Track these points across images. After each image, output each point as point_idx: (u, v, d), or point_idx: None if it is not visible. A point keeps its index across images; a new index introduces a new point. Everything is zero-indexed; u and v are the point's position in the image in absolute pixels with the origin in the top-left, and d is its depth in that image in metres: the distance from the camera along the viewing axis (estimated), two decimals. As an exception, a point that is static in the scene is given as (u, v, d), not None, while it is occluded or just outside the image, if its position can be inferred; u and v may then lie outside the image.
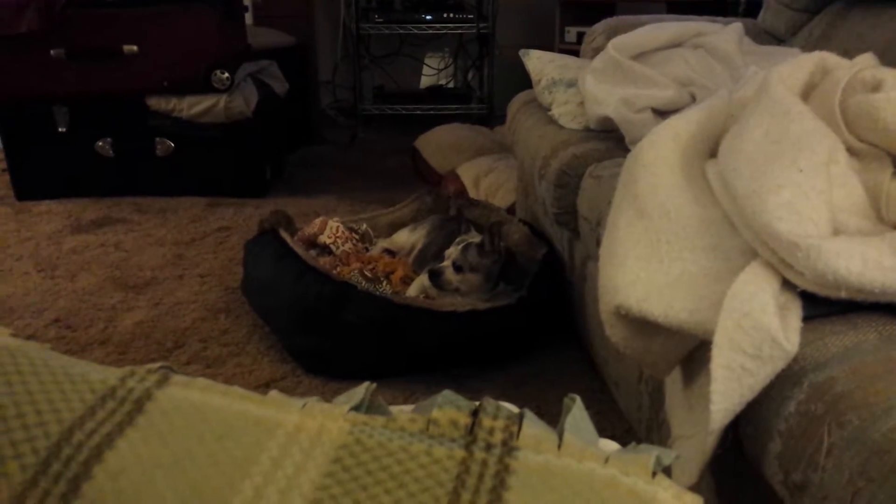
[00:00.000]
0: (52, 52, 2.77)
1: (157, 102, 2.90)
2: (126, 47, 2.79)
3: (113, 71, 2.82)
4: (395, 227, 2.39)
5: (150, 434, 0.37)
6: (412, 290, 1.99)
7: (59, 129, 2.94)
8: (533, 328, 1.90)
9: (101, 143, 2.97)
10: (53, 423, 0.37)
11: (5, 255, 2.48)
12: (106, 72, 2.82)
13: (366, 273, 2.04)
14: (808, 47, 1.89)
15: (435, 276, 1.91)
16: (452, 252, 1.93)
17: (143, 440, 0.37)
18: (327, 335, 1.79)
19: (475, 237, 1.97)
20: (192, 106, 2.90)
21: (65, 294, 2.19)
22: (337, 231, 2.25)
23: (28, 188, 3.03)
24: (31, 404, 0.38)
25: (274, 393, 0.43)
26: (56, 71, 2.80)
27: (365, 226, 2.38)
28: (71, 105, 2.91)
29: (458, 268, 1.90)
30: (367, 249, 2.29)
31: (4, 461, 0.35)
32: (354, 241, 2.28)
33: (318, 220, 2.30)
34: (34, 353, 0.41)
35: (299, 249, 1.93)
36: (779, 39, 2.13)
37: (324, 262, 2.15)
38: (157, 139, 2.96)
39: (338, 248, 2.22)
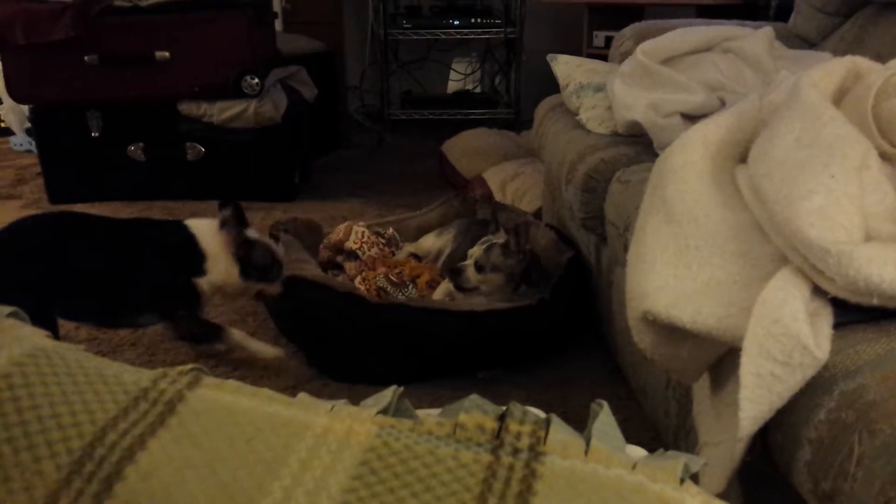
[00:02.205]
0: (85, 58, 2.82)
1: (188, 108, 2.94)
2: (158, 54, 2.83)
3: (145, 77, 2.86)
4: (422, 231, 2.40)
5: (182, 435, 0.38)
6: (437, 295, 2.00)
7: (93, 134, 2.98)
8: (556, 331, 1.89)
9: (132, 148, 3.01)
10: (87, 423, 0.38)
11: (39, 257, 2.52)
12: (138, 78, 2.87)
13: (391, 278, 2.05)
14: (840, 51, 1.87)
15: (455, 275, 1.91)
16: (475, 251, 1.93)
17: (175, 441, 0.38)
18: (345, 346, 1.80)
19: (500, 238, 1.96)
20: (222, 111, 2.93)
21: (97, 296, 2.21)
22: (362, 236, 2.26)
23: (61, 192, 3.08)
24: (66, 405, 0.38)
25: (302, 395, 0.44)
26: (90, 77, 2.85)
27: (391, 230, 2.39)
28: (104, 110, 2.96)
29: (479, 267, 1.89)
30: (393, 254, 2.30)
31: (40, 460, 0.36)
32: (381, 246, 2.28)
33: (342, 227, 2.31)
34: (69, 354, 0.42)
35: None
36: (810, 43, 2.11)
37: (350, 266, 2.16)
38: (188, 144, 3.00)
39: (364, 253, 2.23)
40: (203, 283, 1.68)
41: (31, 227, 1.63)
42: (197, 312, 1.73)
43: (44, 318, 1.52)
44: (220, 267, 1.69)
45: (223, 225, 1.70)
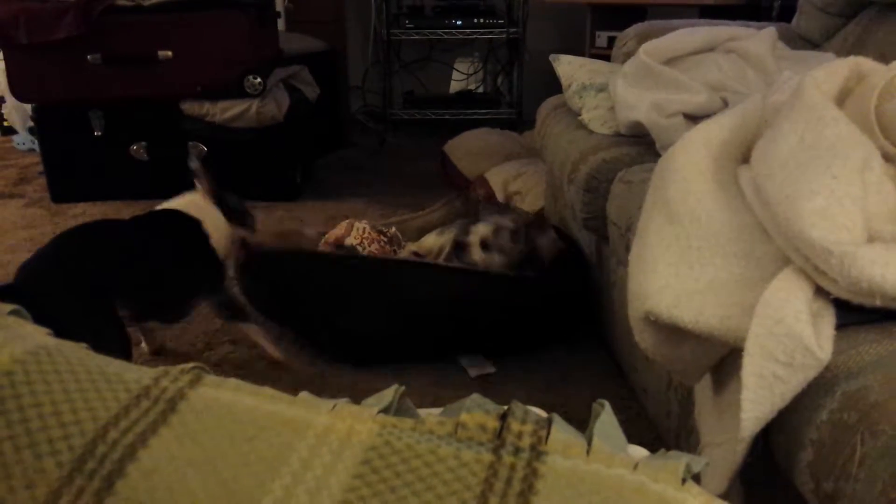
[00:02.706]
0: (88, 57, 2.82)
1: (190, 107, 2.94)
2: (161, 53, 2.83)
3: (148, 76, 2.86)
4: (424, 231, 2.40)
5: (183, 433, 0.38)
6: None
7: (95, 133, 2.98)
8: (549, 315, 1.89)
9: (135, 147, 3.01)
10: (89, 421, 0.38)
11: (41, 256, 2.52)
12: (141, 77, 2.86)
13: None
14: (844, 52, 1.86)
15: (459, 248, 1.90)
16: (481, 229, 1.91)
17: (176, 439, 0.38)
18: (323, 310, 1.81)
19: (500, 220, 1.95)
20: (224, 110, 2.93)
21: (99, 295, 2.21)
22: (363, 232, 2.26)
23: (64, 191, 3.08)
24: (68, 402, 0.38)
25: (304, 394, 0.44)
26: (92, 76, 2.85)
27: (394, 229, 2.39)
28: (107, 109, 2.96)
29: (485, 245, 1.89)
30: (395, 252, 2.30)
31: (41, 458, 0.36)
32: (382, 243, 2.28)
33: (343, 223, 2.30)
34: (71, 352, 0.42)
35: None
36: (813, 44, 2.11)
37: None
38: (191, 143, 3.00)
39: (364, 248, 2.22)
40: (218, 250, 1.75)
41: (90, 236, 1.62)
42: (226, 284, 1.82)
43: (119, 323, 1.55)
44: (211, 226, 1.75)
45: (196, 176, 1.76)
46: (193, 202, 1.77)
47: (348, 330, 1.81)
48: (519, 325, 1.85)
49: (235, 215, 1.81)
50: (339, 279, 1.76)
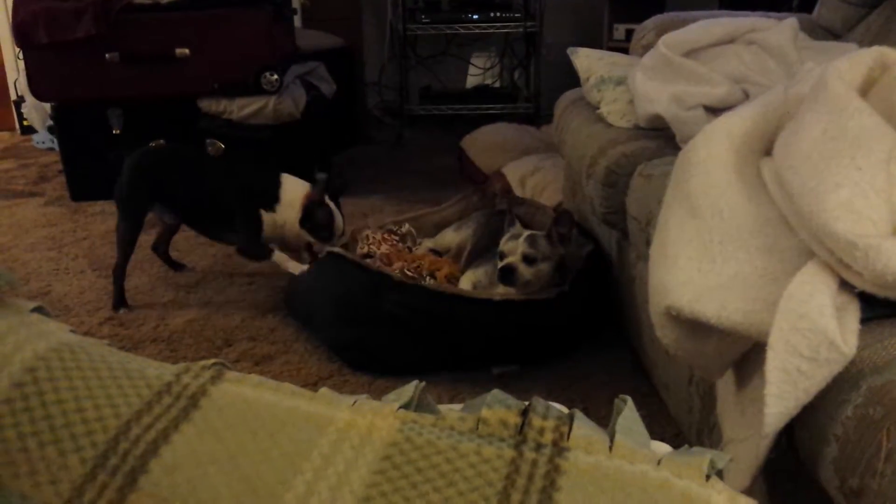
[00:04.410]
0: (107, 56, 2.84)
1: (208, 104, 2.95)
2: (178, 51, 2.85)
3: (166, 74, 2.88)
4: (441, 227, 2.39)
5: (205, 429, 0.38)
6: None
7: (114, 131, 3.00)
8: (575, 325, 1.88)
9: (153, 145, 3.03)
10: (111, 417, 0.38)
11: (61, 254, 2.55)
12: (159, 75, 2.88)
13: (407, 272, 2.04)
14: (866, 42, 1.84)
15: (507, 275, 1.83)
16: (515, 246, 1.85)
17: (198, 435, 0.38)
18: (367, 326, 1.81)
19: (522, 230, 1.92)
20: (242, 108, 2.94)
21: (119, 292, 2.23)
22: (369, 240, 2.24)
23: (83, 189, 3.11)
24: (91, 399, 0.38)
25: (324, 390, 0.43)
26: (111, 74, 2.87)
27: (407, 226, 2.38)
28: (125, 107, 2.97)
29: (531, 260, 1.83)
30: (409, 249, 2.29)
31: (65, 454, 0.36)
32: (393, 242, 2.27)
33: (347, 236, 2.28)
34: (93, 349, 0.42)
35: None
36: (835, 35, 2.08)
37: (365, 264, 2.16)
38: (208, 140, 3.01)
39: (376, 252, 2.22)
40: (266, 216, 2.11)
41: (170, 158, 2.36)
42: (258, 236, 2.14)
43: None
44: (286, 213, 2.10)
45: (313, 184, 2.13)
46: (298, 188, 2.12)
47: (378, 348, 1.83)
48: (548, 338, 1.85)
49: (311, 225, 2.11)
50: (389, 301, 1.78)
